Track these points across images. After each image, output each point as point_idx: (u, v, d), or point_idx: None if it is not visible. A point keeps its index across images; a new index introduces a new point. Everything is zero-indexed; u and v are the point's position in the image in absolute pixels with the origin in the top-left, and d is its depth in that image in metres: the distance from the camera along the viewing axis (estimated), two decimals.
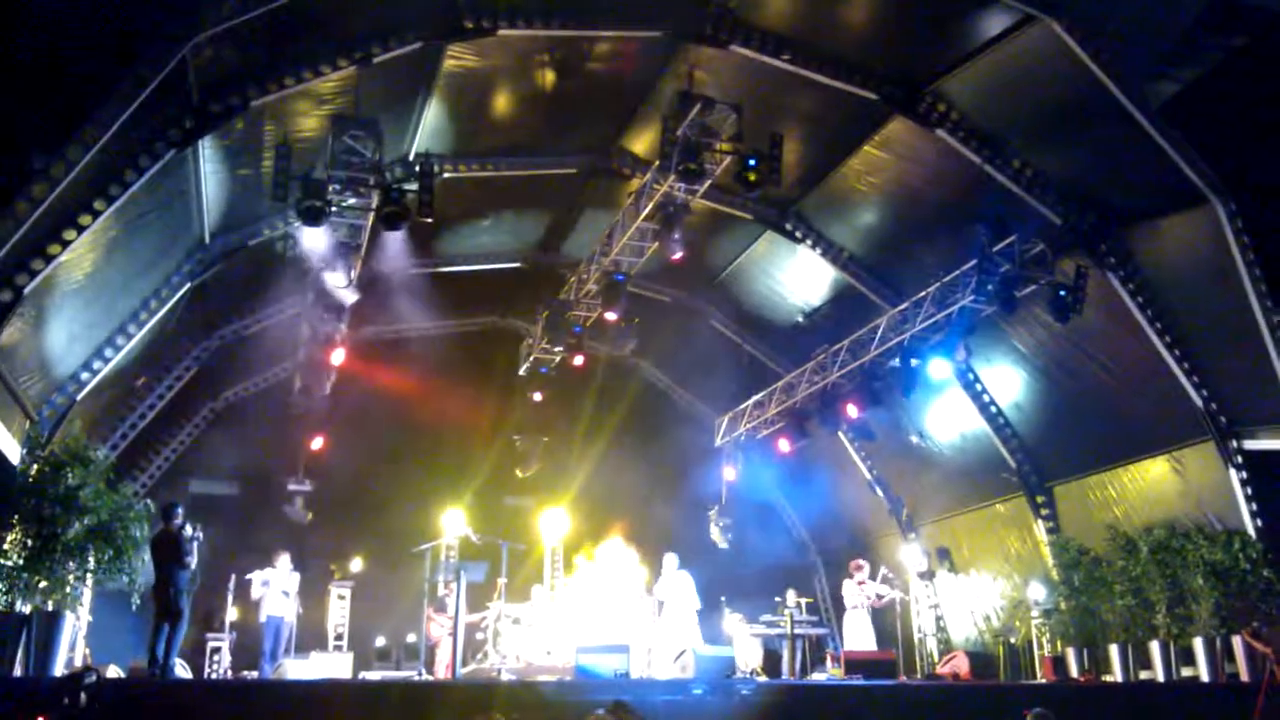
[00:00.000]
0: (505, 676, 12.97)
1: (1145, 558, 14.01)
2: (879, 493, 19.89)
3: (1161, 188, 12.94)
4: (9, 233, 9.75)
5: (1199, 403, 13.88)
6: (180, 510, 11.74)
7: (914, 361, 15.09)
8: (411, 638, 16.33)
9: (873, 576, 16.27)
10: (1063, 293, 13.54)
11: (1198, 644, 13.32)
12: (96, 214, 10.76)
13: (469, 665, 14.03)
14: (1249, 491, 13.63)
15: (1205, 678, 13.17)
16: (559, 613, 14.92)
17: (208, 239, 14.21)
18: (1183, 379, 13.90)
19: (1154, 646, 13.81)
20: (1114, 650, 14.33)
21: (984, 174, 13.99)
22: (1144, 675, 13.96)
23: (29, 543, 10.42)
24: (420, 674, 14.12)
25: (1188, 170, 12.46)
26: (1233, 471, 13.69)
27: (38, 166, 9.78)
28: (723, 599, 16.41)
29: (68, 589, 10.73)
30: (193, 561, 11.56)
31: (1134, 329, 14.00)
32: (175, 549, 11.39)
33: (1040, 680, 15.23)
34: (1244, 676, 12.72)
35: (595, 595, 15.25)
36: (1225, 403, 13.87)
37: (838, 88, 13.80)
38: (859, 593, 16.02)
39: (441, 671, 14.25)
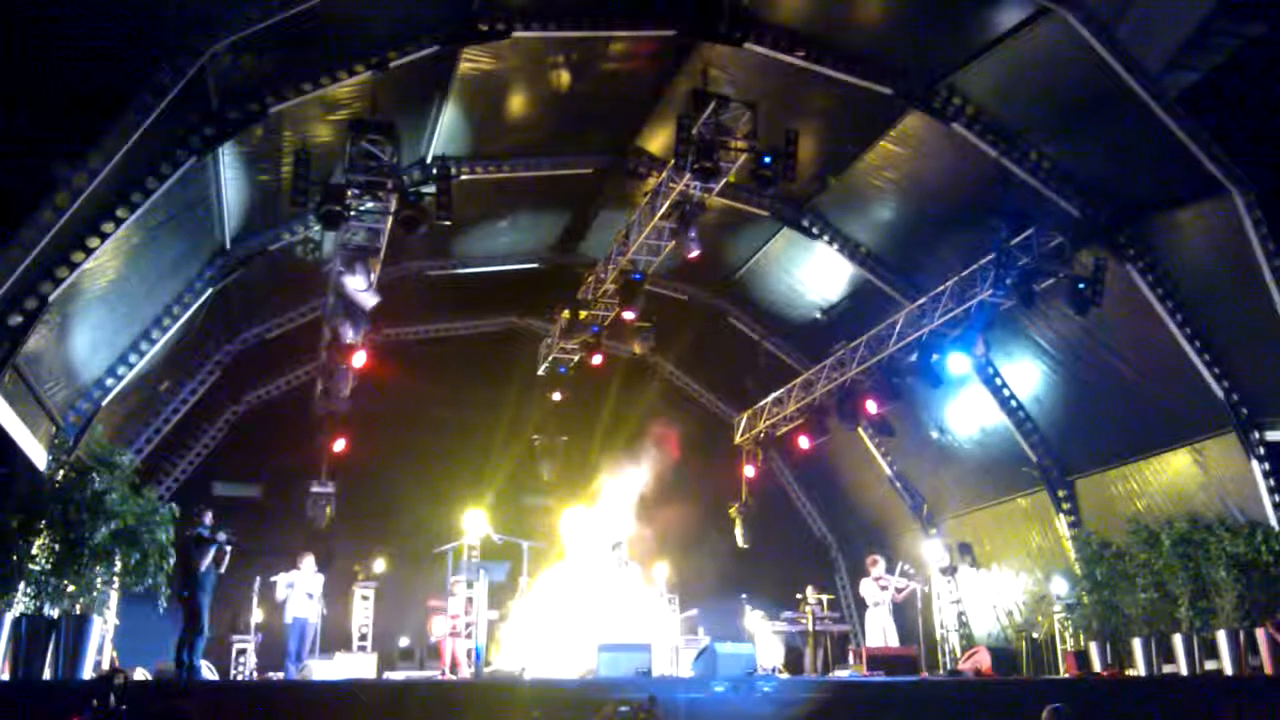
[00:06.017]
0: (527, 676, 13.01)
1: (1167, 551, 13.93)
2: (899, 488, 19.86)
3: (1180, 178, 12.88)
4: (34, 241, 9.84)
5: (1220, 394, 13.80)
6: (208, 513, 11.90)
7: (933, 356, 15.08)
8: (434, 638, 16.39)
9: (890, 571, 16.23)
10: (1082, 285, 13.50)
11: (1221, 637, 13.25)
12: (119, 221, 10.85)
13: (490, 664, 14.07)
14: (1271, 483, 13.58)
15: (1229, 671, 13.08)
16: (570, 612, 14.92)
17: (229, 244, 14.30)
18: (1204, 370, 13.81)
19: (1177, 640, 13.74)
20: (1137, 644, 14.27)
21: (1001, 167, 13.92)
22: (1167, 669, 13.90)
23: (56, 547, 10.53)
24: (444, 673, 14.19)
25: (1206, 160, 12.38)
26: (1255, 463, 13.62)
27: (60, 175, 9.88)
28: (743, 596, 16.46)
29: (95, 593, 10.85)
30: (221, 564, 11.72)
31: (1154, 320, 13.93)
32: (201, 552, 11.53)
33: (1063, 675, 15.19)
34: (1268, 669, 12.65)
35: (612, 594, 15.24)
36: (1247, 394, 13.79)
37: (852, 83, 13.76)
38: (878, 589, 16.00)
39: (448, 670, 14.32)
